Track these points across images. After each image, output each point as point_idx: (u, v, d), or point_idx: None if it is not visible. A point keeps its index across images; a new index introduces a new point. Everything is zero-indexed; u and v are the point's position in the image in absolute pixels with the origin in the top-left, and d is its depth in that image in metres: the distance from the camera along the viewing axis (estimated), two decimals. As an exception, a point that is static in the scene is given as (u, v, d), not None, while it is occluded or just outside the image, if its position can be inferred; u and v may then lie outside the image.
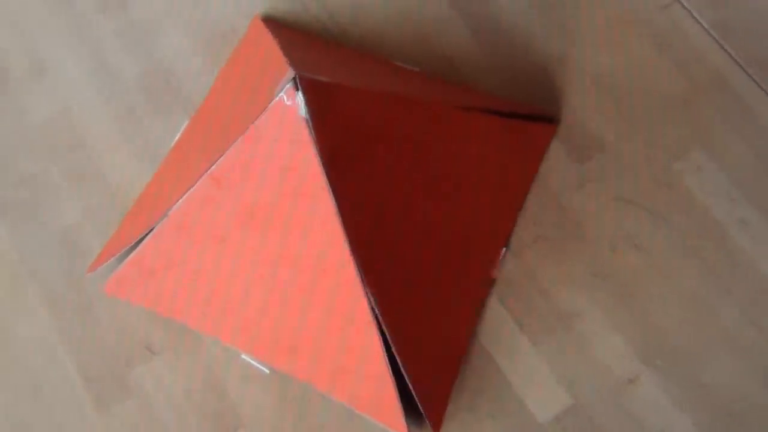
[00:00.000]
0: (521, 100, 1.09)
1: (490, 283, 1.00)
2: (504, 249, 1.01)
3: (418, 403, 0.89)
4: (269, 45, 0.99)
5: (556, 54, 1.12)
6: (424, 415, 0.90)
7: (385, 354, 0.88)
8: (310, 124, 0.78)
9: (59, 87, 1.16)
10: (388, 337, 0.87)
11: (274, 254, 0.89)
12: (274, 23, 1.14)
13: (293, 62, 0.84)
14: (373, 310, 0.86)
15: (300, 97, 0.77)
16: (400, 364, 0.87)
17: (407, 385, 0.88)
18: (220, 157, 0.87)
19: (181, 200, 0.91)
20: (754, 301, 0.98)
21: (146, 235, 0.97)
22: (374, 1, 1.17)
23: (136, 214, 1.04)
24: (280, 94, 0.79)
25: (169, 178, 1.03)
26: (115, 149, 1.12)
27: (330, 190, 0.81)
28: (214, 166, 0.87)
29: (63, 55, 1.18)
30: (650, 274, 1.00)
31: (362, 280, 0.85)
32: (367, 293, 0.85)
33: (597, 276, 1.00)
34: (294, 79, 0.77)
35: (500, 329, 0.98)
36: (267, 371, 0.98)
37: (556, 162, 1.06)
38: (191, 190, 0.90)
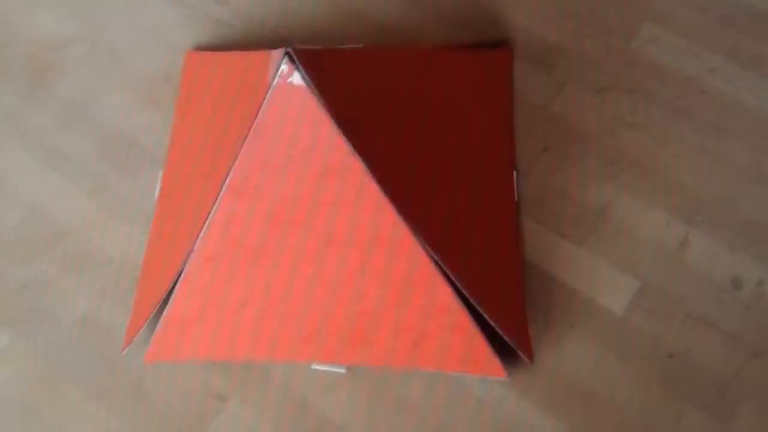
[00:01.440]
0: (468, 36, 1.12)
1: (516, 207, 1.00)
2: (515, 172, 1.02)
3: (509, 341, 0.88)
4: (223, 60, 0.98)
5: (487, -17, 1.14)
6: (517, 349, 0.89)
7: (462, 303, 0.86)
8: (318, 94, 0.77)
9: (18, 187, 1.11)
10: (458, 284, 0.86)
11: (315, 244, 0.86)
12: (208, 51, 1.12)
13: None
14: (436, 263, 0.85)
15: (300, 69, 0.76)
16: (478, 309, 0.86)
17: (483, 327, 0.87)
18: (229, 170, 0.84)
19: (201, 232, 0.87)
20: (752, 132, 1.02)
21: (171, 289, 0.93)
22: (297, -3, 1.17)
23: (150, 275, 1.00)
24: (278, 74, 0.77)
25: (172, 226, 0.99)
26: (99, 223, 1.07)
27: (356, 154, 0.79)
28: (227, 179, 0.84)
29: (9, 158, 1.13)
30: (655, 144, 1.03)
31: (417, 237, 0.83)
32: (426, 249, 0.84)
33: (609, 163, 1.02)
34: (288, 53, 0.76)
35: (544, 245, 0.99)
36: (343, 371, 0.95)
37: (527, 79, 1.08)
38: (210, 215, 0.86)
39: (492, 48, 1.07)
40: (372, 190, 0.80)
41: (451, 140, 0.95)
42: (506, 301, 0.92)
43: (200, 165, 0.95)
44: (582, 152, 1.03)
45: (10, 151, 1.13)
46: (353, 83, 0.82)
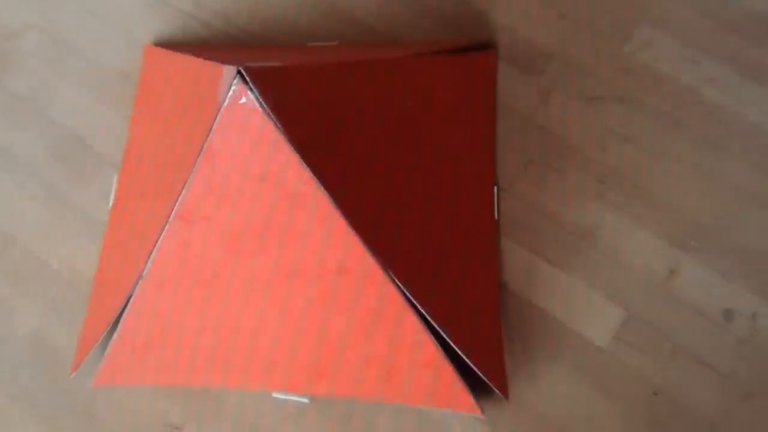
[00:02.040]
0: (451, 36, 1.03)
1: (495, 227, 0.93)
2: (495, 187, 0.95)
3: (482, 375, 0.82)
4: (179, 63, 0.89)
5: (472, -22, 1.06)
6: (491, 385, 0.83)
7: (433, 337, 0.80)
8: (273, 117, 0.69)
9: (-37, 191, 1.03)
10: (428, 317, 0.79)
11: (277, 274, 0.79)
12: (168, 47, 1.04)
13: (225, 61, 0.74)
14: (404, 293, 0.78)
15: (253, 90, 0.68)
16: (449, 341, 0.80)
17: (457, 361, 0.81)
18: (180, 191, 0.76)
19: (150, 258, 0.80)
20: (751, 149, 0.94)
21: (122, 310, 0.86)
22: (267, -12, 1.08)
23: (102, 294, 0.93)
24: (229, 95, 0.69)
25: (126, 240, 0.92)
26: (48, 233, 0.99)
27: (317, 182, 0.72)
28: (177, 205, 0.76)
29: (-47, 156, 1.05)
30: (648, 159, 0.95)
31: (383, 268, 0.76)
32: (393, 279, 0.77)
33: (599, 180, 0.95)
34: (239, 73, 0.67)
35: (525, 269, 0.92)
36: (306, 401, 0.88)
37: (512, 84, 1.00)
38: (160, 239, 0.79)
39: (475, 51, 0.99)
40: (334, 218, 0.73)
41: (426, 156, 0.87)
42: (481, 332, 0.86)
43: (152, 179, 0.87)
44: (568, 167, 0.96)
45: (-44, 149, 1.05)
46: (317, 102, 0.74)
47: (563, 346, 0.88)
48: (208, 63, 0.74)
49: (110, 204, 0.98)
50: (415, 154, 0.85)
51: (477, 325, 0.86)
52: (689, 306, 0.89)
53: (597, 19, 1.03)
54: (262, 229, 0.75)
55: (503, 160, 0.97)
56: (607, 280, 0.90)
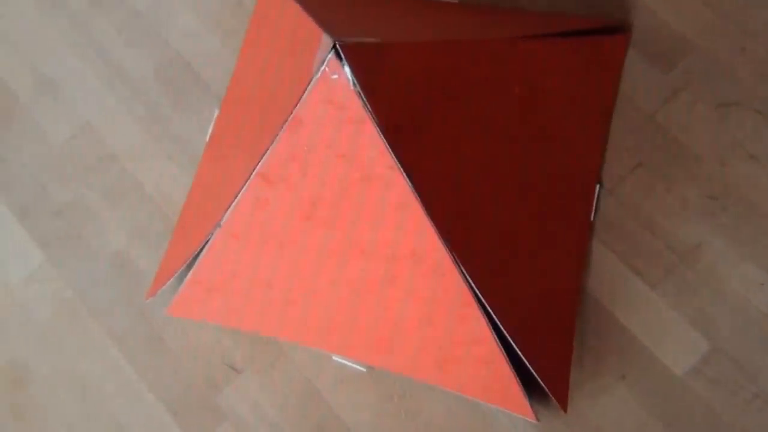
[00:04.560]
0: (582, 12, 0.95)
1: (589, 228, 0.88)
2: (597, 186, 0.89)
3: (540, 381, 0.79)
4: (289, 10, 0.86)
5: (616, -50, 0.96)
6: (548, 393, 0.80)
7: (494, 333, 0.77)
8: (363, 96, 0.66)
9: (73, 100, 1.05)
10: (492, 313, 0.76)
11: (348, 247, 0.78)
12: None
13: (326, 26, 0.71)
14: (471, 288, 0.75)
15: (346, 68, 0.65)
16: (510, 340, 0.77)
17: (521, 362, 0.78)
18: (265, 151, 0.75)
19: (231, 207, 0.80)
20: None
21: (201, 248, 0.87)
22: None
23: (186, 227, 0.94)
24: (322, 68, 0.66)
25: (213, 181, 0.92)
26: (146, 156, 1.01)
27: (399, 166, 0.69)
28: (260, 164, 0.75)
29: (68, 65, 1.07)
30: (772, 183, 0.87)
31: (454, 259, 0.74)
32: (462, 272, 0.74)
33: (712, 197, 0.87)
34: (334, 47, 0.64)
35: (612, 278, 0.86)
36: (364, 369, 0.88)
37: (639, 75, 0.92)
38: (240, 194, 0.79)
39: (604, 34, 0.91)
40: (411, 204, 0.70)
41: (526, 147, 0.82)
42: (549, 337, 0.82)
43: (245, 128, 0.87)
44: (682, 177, 0.88)
45: (72, 57, 1.07)
46: (412, 84, 0.70)
47: (636, 366, 0.84)
48: (312, 22, 0.71)
49: (207, 138, 0.98)
50: (513, 144, 0.80)
51: (546, 329, 0.82)
52: (784, 351, 0.82)
53: (749, 16, 0.92)
54: (335, 203, 0.73)
55: (611, 158, 0.90)
56: (698, 306, 0.84)
